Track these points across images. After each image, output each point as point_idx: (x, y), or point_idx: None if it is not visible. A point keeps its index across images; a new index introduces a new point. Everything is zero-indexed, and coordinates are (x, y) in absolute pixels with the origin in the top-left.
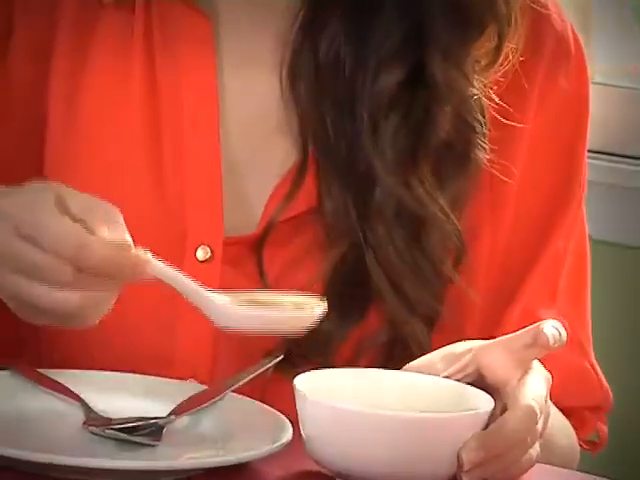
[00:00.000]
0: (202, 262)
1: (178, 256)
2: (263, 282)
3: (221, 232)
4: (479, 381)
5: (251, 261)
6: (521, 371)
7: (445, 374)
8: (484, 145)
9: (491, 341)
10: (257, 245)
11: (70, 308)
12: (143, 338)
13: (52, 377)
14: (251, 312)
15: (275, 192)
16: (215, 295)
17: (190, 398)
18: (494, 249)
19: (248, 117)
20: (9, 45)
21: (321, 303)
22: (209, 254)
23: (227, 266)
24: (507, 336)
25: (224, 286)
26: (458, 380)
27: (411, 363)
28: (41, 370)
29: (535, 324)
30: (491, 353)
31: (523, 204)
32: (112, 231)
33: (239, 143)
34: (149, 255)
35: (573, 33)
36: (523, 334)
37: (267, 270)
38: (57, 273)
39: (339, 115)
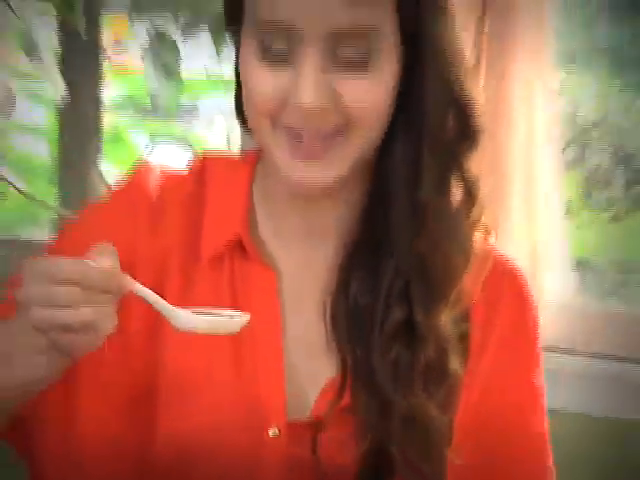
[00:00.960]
0: (272, 438)
1: (256, 432)
2: (316, 458)
3: (284, 416)
4: None
5: (308, 440)
6: None
7: None
8: (462, 363)
9: None
10: (312, 430)
11: (88, 320)
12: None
13: None
14: (202, 318)
15: (323, 392)
16: (176, 308)
17: None
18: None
19: (302, 334)
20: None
21: (245, 315)
22: (277, 432)
23: (291, 442)
24: None
25: (287, 458)
26: None
27: None
28: None
29: None
30: None
31: (491, 399)
32: (106, 261)
33: (295, 352)
34: (131, 279)
35: (530, 292)
36: None
37: (320, 449)
38: (72, 296)
39: (363, 344)
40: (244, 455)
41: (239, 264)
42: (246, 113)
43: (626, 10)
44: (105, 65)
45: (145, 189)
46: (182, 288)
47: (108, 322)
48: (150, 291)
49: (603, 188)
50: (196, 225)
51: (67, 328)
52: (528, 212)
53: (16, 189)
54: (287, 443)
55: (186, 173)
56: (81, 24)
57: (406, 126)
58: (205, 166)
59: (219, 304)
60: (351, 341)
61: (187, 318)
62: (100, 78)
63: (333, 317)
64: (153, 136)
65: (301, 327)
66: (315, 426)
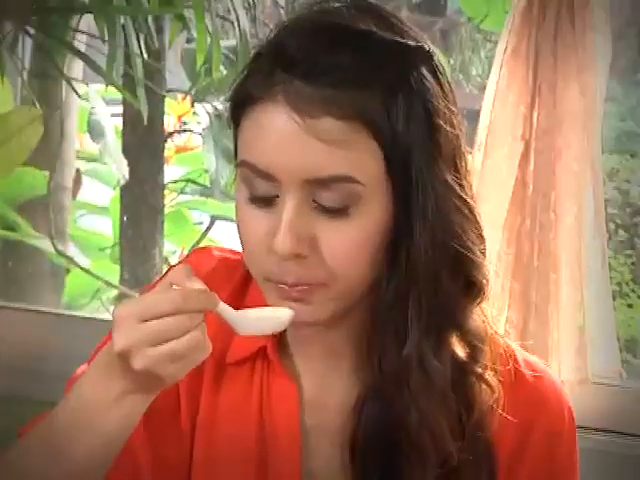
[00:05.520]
0: None
1: None
2: None
3: None
4: None
5: None
6: None
7: None
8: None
9: None
10: None
11: (198, 341)
12: None
13: None
14: (260, 325)
15: None
16: (241, 318)
17: None
18: None
19: (322, 464)
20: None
21: (288, 312)
22: None
23: None
24: None
25: None
26: None
27: None
28: None
29: None
30: None
31: None
32: (194, 281)
33: (313, 475)
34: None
35: (568, 411)
36: None
37: None
38: (181, 324)
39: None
40: None
41: (267, 372)
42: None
43: None
44: (167, 146)
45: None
46: (213, 386)
47: (207, 341)
48: (227, 306)
49: None
50: None
51: (177, 357)
52: (576, 293)
53: (78, 266)
54: None
55: (241, 264)
56: (144, 108)
57: (395, 276)
58: None
59: (246, 406)
60: (364, 474)
61: (248, 326)
62: (162, 159)
63: (349, 445)
64: (213, 216)
65: (319, 447)
66: None
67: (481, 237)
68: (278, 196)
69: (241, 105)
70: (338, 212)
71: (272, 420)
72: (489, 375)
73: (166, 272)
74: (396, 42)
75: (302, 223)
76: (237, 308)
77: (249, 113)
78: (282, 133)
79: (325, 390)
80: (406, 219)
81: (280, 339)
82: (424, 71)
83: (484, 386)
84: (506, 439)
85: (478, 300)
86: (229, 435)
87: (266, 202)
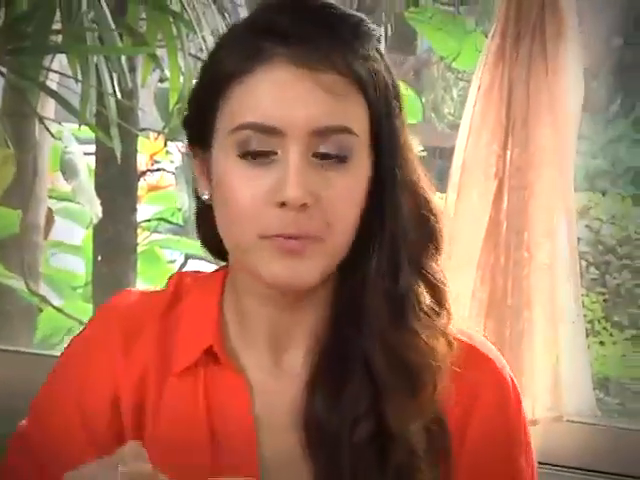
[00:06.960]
0: None
1: None
2: None
3: None
4: None
5: None
6: None
7: None
8: (437, 462)
9: None
10: None
11: None
12: None
13: None
14: None
15: None
16: None
17: None
18: None
19: (276, 445)
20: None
21: None
22: None
23: None
24: None
25: None
26: None
27: None
28: None
29: None
30: None
31: None
32: (143, 463)
33: (271, 462)
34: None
35: (512, 381)
36: None
37: None
38: None
39: (333, 458)
40: None
41: (212, 373)
42: (225, 229)
43: None
44: (140, 185)
45: (120, 314)
46: (157, 400)
47: None
48: None
49: (625, 307)
50: (171, 339)
51: None
52: (549, 331)
53: (50, 305)
54: None
55: (164, 291)
56: (117, 147)
57: (383, 224)
58: (181, 283)
59: (194, 413)
60: (322, 455)
61: None
62: (135, 198)
63: (304, 430)
64: (186, 254)
65: (275, 437)
66: None
67: (433, 190)
68: (277, 154)
69: (224, 82)
70: (336, 164)
71: (223, 415)
72: (450, 331)
73: None
74: (359, 16)
75: (306, 174)
76: (170, 340)
77: (240, 83)
78: (289, 87)
79: (273, 379)
80: (387, 170)
81: (225, 337)
82: (380, 47)
83: (442, 341)
84: (455, 403)
85: (437, 252)
86: (180, 441)
87: (265, 162)
